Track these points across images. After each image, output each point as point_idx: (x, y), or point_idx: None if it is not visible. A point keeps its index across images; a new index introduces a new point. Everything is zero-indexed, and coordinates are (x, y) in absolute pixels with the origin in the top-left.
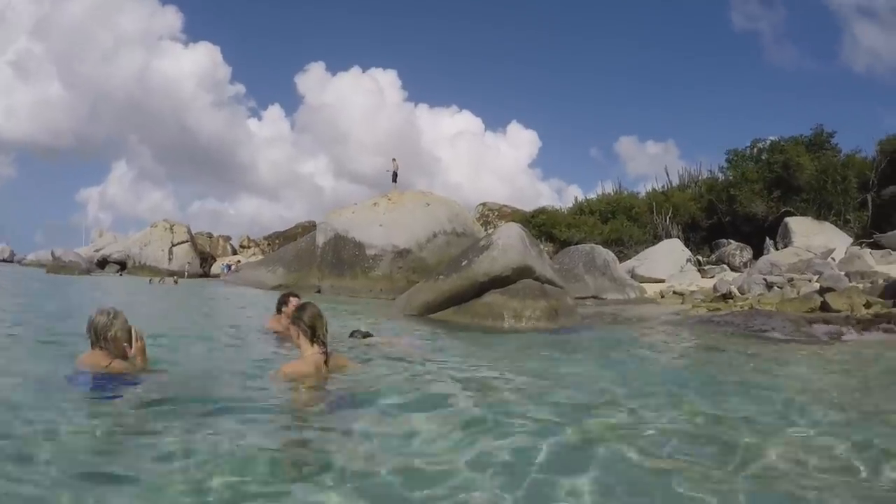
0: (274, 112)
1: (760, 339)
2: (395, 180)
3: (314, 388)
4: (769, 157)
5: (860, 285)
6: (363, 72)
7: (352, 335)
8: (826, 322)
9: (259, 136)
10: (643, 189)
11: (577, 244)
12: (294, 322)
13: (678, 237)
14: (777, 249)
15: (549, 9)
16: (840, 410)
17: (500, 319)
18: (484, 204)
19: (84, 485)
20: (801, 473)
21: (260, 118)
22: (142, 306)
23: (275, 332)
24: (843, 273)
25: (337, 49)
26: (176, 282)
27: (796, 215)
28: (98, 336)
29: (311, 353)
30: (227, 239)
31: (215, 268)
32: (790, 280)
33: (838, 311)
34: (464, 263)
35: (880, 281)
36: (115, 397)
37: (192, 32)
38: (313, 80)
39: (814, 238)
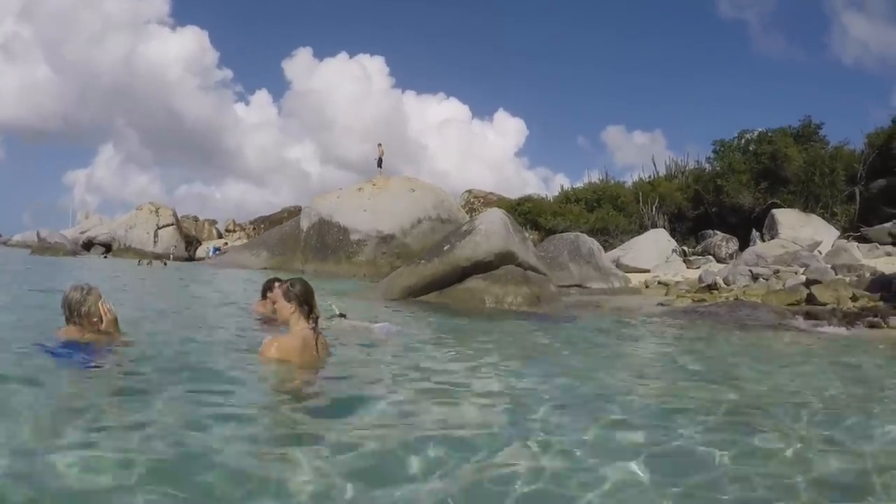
0: (261, 97)
1: (744, 328)
2: (380, 166)
3: (301, 365)
4: (756, 148)
5: (847, 278)
6: (350, 58)
7: (330, 318)
8: (811, 315)
9: (246, 121)
10: (630, 179)
11: (562, 232)
12: (287, 296)
13: (664, 227)
14: (763, 241)
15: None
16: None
17: (481, 304)
18: (470, 191)
19: (66, 452)
20: None
21: (247, 103)
22: (133, 288)
23: (260, 317)
24: (829, 266)
25: (324, 35)
26: (165, 264)
27: (783, 207)
28: (72, 312)
29: (302, 328)
30: (213, 223)
31: (200, 251)
32: (776, 272)
33: (824, 304)
34: (446, 248)
35: (867, 274)
36: (92, 366)
37: (180, 16)
38: (300, 65)
39: (800, 230)
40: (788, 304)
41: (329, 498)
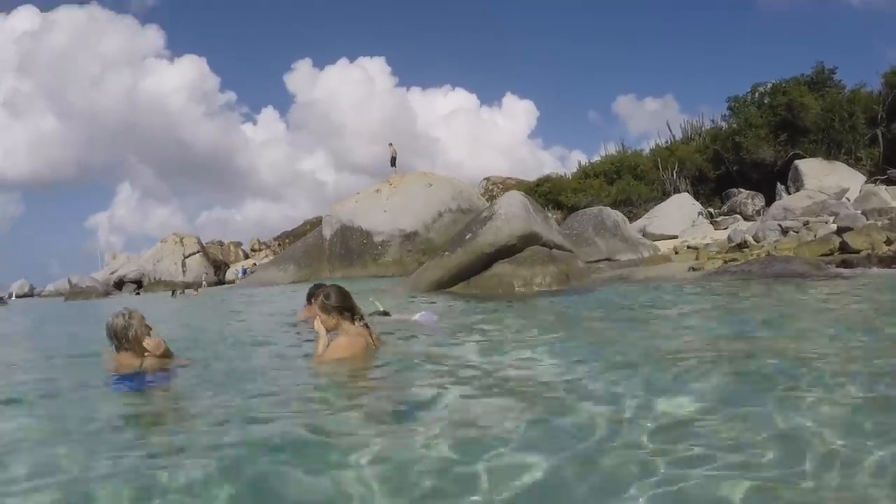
0: (268, 114)
1: (784, 282)
2: (393, 165)
3: (362, 362)
4: (772, 101)
5: (878, 223)
6: (351, 62)
7: (371, 315)
8: (847, 263)
9: (256, 140)
10: (647, 147)
11: (584, 208)
12: (325, 310)
13: (687, 191)
14: (789, 194)
15: None
16: None
17: (510, 289)
18: (488, 178)
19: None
20: None
21: (255, 122)
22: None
23: (307, 321)
24: (859, 212)
25: (322, 43)
26: (196, 291)
27: (805, 157)
28: (120, 339)
29: (356, 331)
30: (238, 244)
31: (229, 274)
32: (806, 223)
33: (858, 251)
34: (468, 237)
35: None
36: (161, 391)
37: (176, 47)
38: (302, 77)
39: (826, 179)
40: (822, 255)
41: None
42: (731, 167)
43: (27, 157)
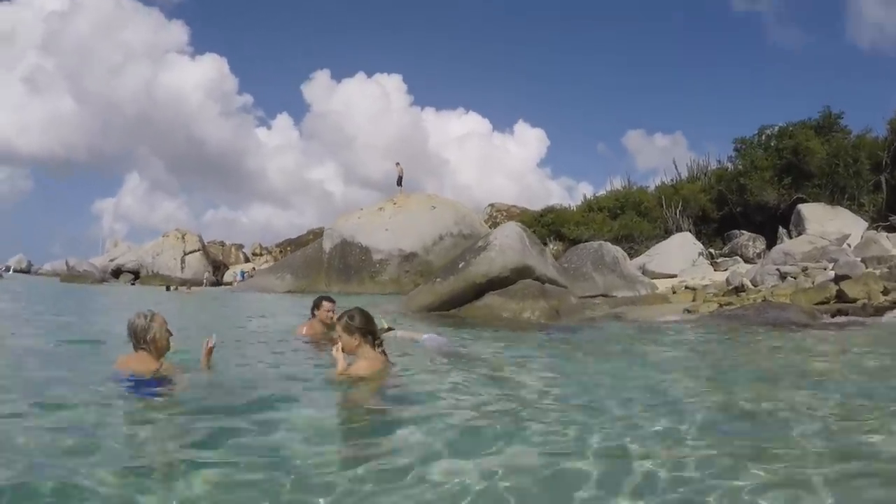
0: (282, 121)
1: (773, 328)
2: (399, 184)
3: (382, 386)
4: (778, 144)
5: (877, 271)
6: (368, 77)
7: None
8: (841, 312)
9: (268, 144)
10: (652, 183)
11: (586, 242)
12: (349, 331)
13: (689, 230)
14: (791, 238)
15: (550, 5)
16: None
17: (498, 321)
18: (492, 205)
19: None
20: None
21: (269, 127)
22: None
23: (307, 340)
24: (859, 259)
25: (341, 56)
26: (189, 289)
27: (809, 201)
28: (139, 338)
29: (375, 355)
30: (240, 247)
31: (228, 275)
32: (804, 269)
33: (854, 301)
34: (461, 265)
35: None
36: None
37: (199, 45)
38: (319, 87)
39: (828, 224)
40: (818, 303)
41: None
42: (735, 208)
43: (41, 135)
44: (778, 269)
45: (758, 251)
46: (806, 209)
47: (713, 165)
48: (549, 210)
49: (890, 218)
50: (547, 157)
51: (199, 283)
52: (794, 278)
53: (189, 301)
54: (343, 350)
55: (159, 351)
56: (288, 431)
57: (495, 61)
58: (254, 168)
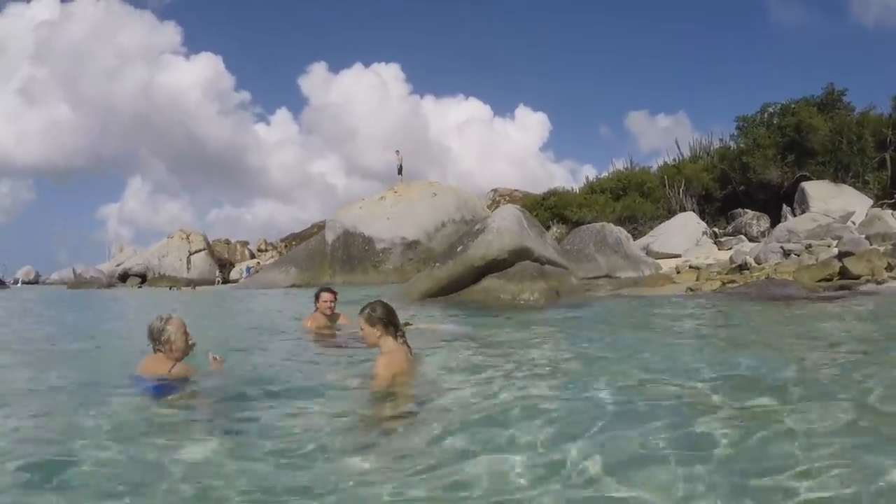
0: (281, 116)
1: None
2: (400, 173)
3: (410, 379)
4: (780, 121)
5: (881, 248)
6: (366, 68)
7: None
8: (844, 289)
9: (268, 140)
10: (655, 164)
11: (589, 224)
12: (371, 322)
13: (693, 210)
14: (794, 216)
15: None
16: None
17: (497, 302)
18: (495, 190)
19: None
20: None
21: (268, 123)
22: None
23: (312, 335)
24: (863, 236)
25: (337, 48)
26: (193, 288)
27: (812, 179)
28: (155, 340)
29: (397, 346)
30: (245, 244)
31: (234, 273)
32: (808, 247)
33: (857, 277)
34: (459, 249)
35: None
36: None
37: (193, 45)
38: (316, 80)
39: (832, 202)
40: (821, 280)
41: None
42: (738, 187)
43: (40, 145)
44: (782, 247)
45: (762, 230)
46: (810, 187)
47: (716, 144)
48: (552, 193)
49: (895, 195)
50: (549, 141)
51: (210, 282)
52: (798, 256)
53: (193, 300)
54: (365, 342)
55: (175, 353)
56: (303, 430)
57: (494, 46)
58: (255, 165)
